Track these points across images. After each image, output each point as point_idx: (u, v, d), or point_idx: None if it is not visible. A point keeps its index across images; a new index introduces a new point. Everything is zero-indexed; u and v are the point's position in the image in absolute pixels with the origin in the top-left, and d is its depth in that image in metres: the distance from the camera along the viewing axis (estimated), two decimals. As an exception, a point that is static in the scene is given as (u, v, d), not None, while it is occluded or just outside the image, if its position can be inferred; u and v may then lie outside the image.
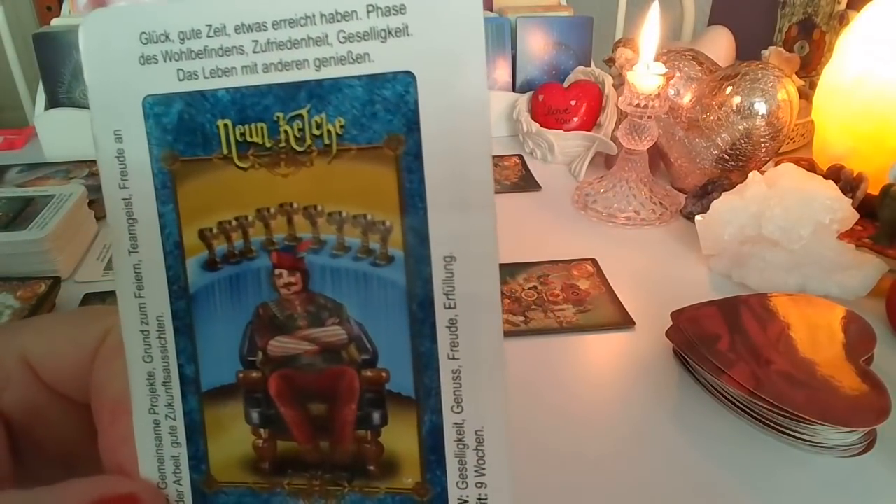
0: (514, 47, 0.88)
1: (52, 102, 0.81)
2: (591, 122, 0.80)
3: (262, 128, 0.16)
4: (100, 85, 0.16)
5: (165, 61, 0.16)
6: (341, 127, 0.15)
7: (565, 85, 0.84)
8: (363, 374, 0.16)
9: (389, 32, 0.14)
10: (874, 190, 0.58)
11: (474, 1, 0.14)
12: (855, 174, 0.60)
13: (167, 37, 0.16)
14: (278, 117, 0.15)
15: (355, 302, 0.16)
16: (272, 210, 0.16)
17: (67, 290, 0.54)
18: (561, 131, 0.78)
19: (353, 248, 0.16)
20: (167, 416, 0.17)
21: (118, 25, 0.16)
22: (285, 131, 0.15)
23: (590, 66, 0.87)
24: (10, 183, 0.73)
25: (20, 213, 0.57)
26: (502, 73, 0.89)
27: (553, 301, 0.53)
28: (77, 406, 0.19)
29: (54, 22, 0.87)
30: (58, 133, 0.80)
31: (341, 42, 0.15)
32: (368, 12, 0.15)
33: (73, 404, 0.19)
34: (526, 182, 0.74)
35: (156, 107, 0.16)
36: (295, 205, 0.16)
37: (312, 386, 0.17)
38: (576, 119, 0.79)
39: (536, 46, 0.88)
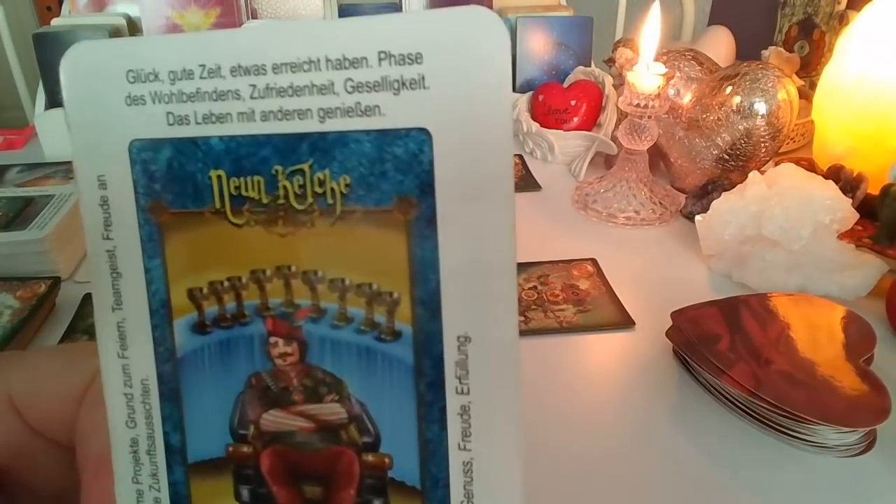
0: (514, 47, 0.88)
1: (52, 102, 0.81)
2: (591, 122, 0.80)
3: (258, 181, 0.14)
4: (83, 125, 0.15)
5: (154, 103, 0.14)
6: (346, 185, 0.14)
7: (565, 85, 0.84)
8: (364, 458, 0.15)
9: (403, 84, 0.13)
10: (874, 190, 0.58)
11: (501, 52, 0.13)
12: (855, 174, 0.60)
13: (156, 76, 0.14)
14: (277, 171, 0.14)
15: (357, 378, 0.15)
16: (268, 272, 0.15)
17: (67, 290, 0.54)
18: (561, 131, 0.78)
19: (356, 320, 0.14)
20: (151, 486, 0.16)
21: (103, 60, 0.14)
22: (284, 187, 0.14)
23: (590, 66, 0.87)
24: (10, 183, 0.73)
25: (20, 213, 0.57)
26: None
27: (553, 301, 0.53)
28: (66, 448, 0.18)
29: (54, 22, 0.87)
30: (58, 133, 0.80)
31: (349, 92, 0.13)
32: (380, 60, 0.13)
33: (61, 447, 0.18)
34: (526, 182, 0.74)
35: (143, 152, 0.14)
36: (293, 268, 0.14)
37: (308, 466, 0.15)
38: (576, 119, 0.79)
39: (536, 46, 0.88)
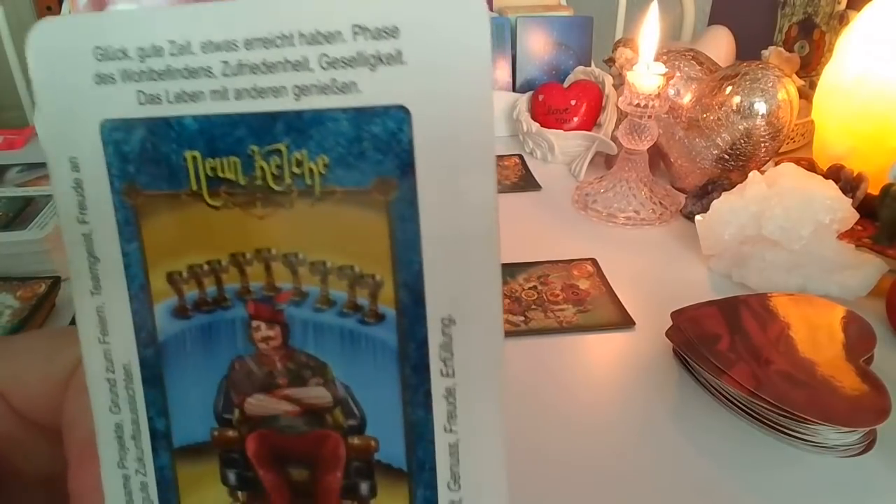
0: (514, 47, 0.88)
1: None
2: (591, 122, 0.80)
3: (234, 162, 0.14)
4: (52, 105, 0.14)
5: (124, 81, 0.14)
6: (325, 166, 0.13)
7: (565, 85, 0.84)
8: (349, 441, 0.15)
9: (380, 59, 0.12)
10: (874, 190, 0.58)
11: (480, 25, 0.12)
12: (855, 174, 0.60)
13: (125, 53, 0.14)
14: (253, 151, 0.14)
15: (341, 362, 0.14)
16: (248, 255, 0.14)
17: (67, 290, 0.54)
18: (561, 131, 0.78)
19: (338, 303, 0.14)
20: (137, 471, 0.16)
21: (70, 38, 0.14)
22: (261, 167, 0.14)
23: (590, 66, 0.87)
24: (10, 183, 0.72)
25: (20, 213, 0.57)
26: (502, 73, 0.89)
27: (553, 301, 0.53)
28: (54, 433, 0.18)
29: (54, 22, 0.87)
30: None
31: (324, 68, 0.13)
32: (355, 34, 0.12)
33: (49, 431, 0.18)
34: (526, 182, 0.74)
35: (115, 133, 0.14)
36: (273, 251, 0.14)
37: (294, 449, 0.15)
38: (576, 119, 0.79)
39: (536, 46, 0.88)
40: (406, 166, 0.13)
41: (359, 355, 0.14)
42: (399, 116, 0.13)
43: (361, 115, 0.13)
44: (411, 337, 0.14)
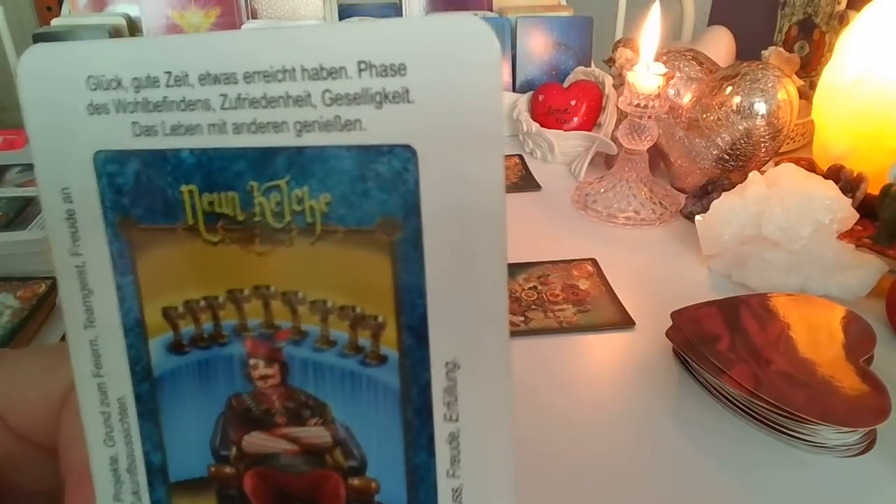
0: (514, 47, 0.88)
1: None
2: (591, 122, 0.80)
3: (232, 198, 0.13)
4: (44, 134, 0.14)
5: (118, 112, 0.13)
6: (326, 204, 0.13)
7: (565, 85, 0.84)
8: (350, 482, 0.14)
9: (386, 97, 0.12)
10: (874, 190, 0.58)
11: (491, 64, 0.12)
12: (855, 174, 0.60)
13: (119, 83, 0.13)
14: (252, 187, 0.13)
15: (341, 403, 0.14)
16: (246, 292, 0.14)
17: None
18: (561, 131, 0.78)
19: (339, 343, 0.14)
20: None
21: (62, 66, 0.13)
22: (260, 204, 0.13)
23: (590, 66, 0.87)
24: (10, 183, 0.72)
25: (20, 213, 0.57)
26: (502, 73, 0.89)
27: (553, 301, 0.53)
28: (52, 451, 0.17)
29: (54, 22, 0.87)
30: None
31: (327, 104, 0.12)
32: (360, 71, 0.12)
33: (47, 449, 0.18)
34: (526, 182, 0.74)
35: (109, 164, 0.14)
36: (272, 288, 0.14)
37: (293, 488, 0.15)
38: (576, 119, 0.79)
39: (536, 46, 0.88)
40: (411, 207, 0.13)
41: (360, 397, 0.14)
42: (405, 156, 0.12)
43: (366, 154, 0.13)
44: (414, 380, 0.14)
